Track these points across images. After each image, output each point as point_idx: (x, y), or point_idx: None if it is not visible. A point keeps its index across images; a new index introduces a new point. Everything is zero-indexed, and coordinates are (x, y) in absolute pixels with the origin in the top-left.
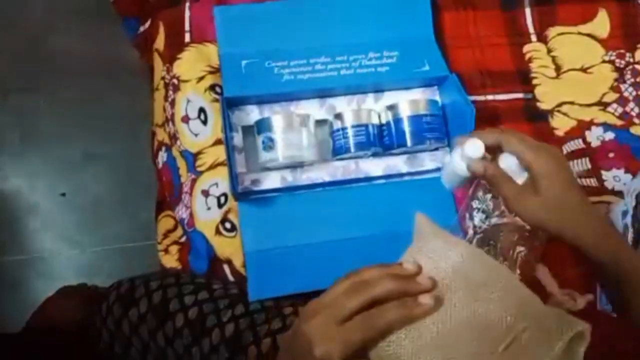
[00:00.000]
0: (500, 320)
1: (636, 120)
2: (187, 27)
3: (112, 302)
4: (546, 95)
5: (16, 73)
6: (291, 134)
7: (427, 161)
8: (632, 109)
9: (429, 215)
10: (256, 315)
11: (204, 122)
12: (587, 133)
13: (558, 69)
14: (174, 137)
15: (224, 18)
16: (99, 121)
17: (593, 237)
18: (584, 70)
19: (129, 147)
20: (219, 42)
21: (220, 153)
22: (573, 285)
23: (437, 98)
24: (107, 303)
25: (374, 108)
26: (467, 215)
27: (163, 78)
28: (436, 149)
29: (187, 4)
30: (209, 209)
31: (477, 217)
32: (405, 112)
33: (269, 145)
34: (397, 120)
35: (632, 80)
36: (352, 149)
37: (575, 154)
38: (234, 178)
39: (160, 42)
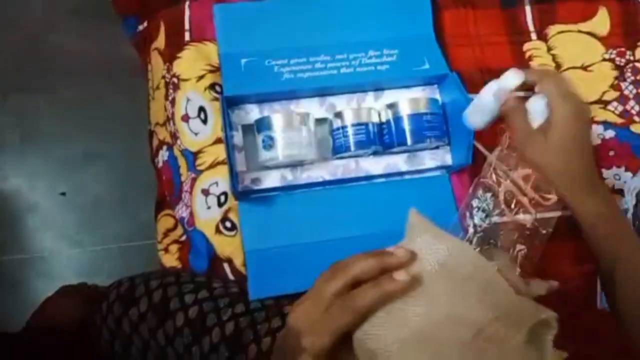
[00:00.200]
0: (476, 311)
1: (636, 119)
2: (186, 26)
3: (112, 301)
4: None
5: (16, 73)
6: (291, 132)
7: (428, 160)
8: (632, 107)
9: (429, 214)
10: (256, 313)
11: (204, 121)
12: None
13: (558, 67)
14: (174, 136)
15: (224, 16)
16: (99, 121)
17: (594, 207)
18: (584, 68)
19: (129, 147)
20: (219, 40)
21: (220, 152)
22: (573, 284)
23: (438, 96)
24: (107, 302)
25: (374, 106)
26: (468, 214)
27: (164, 77)
28: (436, 147)
29: (187, 3)
30: (209, 208)
31: (478, 216)
32: (405, 110)
33: (269, 144)
34: (397, 119)
35: (633, 78)
36: (352, 148)
37: None
38: (234, 177)
39: (160, 41)
